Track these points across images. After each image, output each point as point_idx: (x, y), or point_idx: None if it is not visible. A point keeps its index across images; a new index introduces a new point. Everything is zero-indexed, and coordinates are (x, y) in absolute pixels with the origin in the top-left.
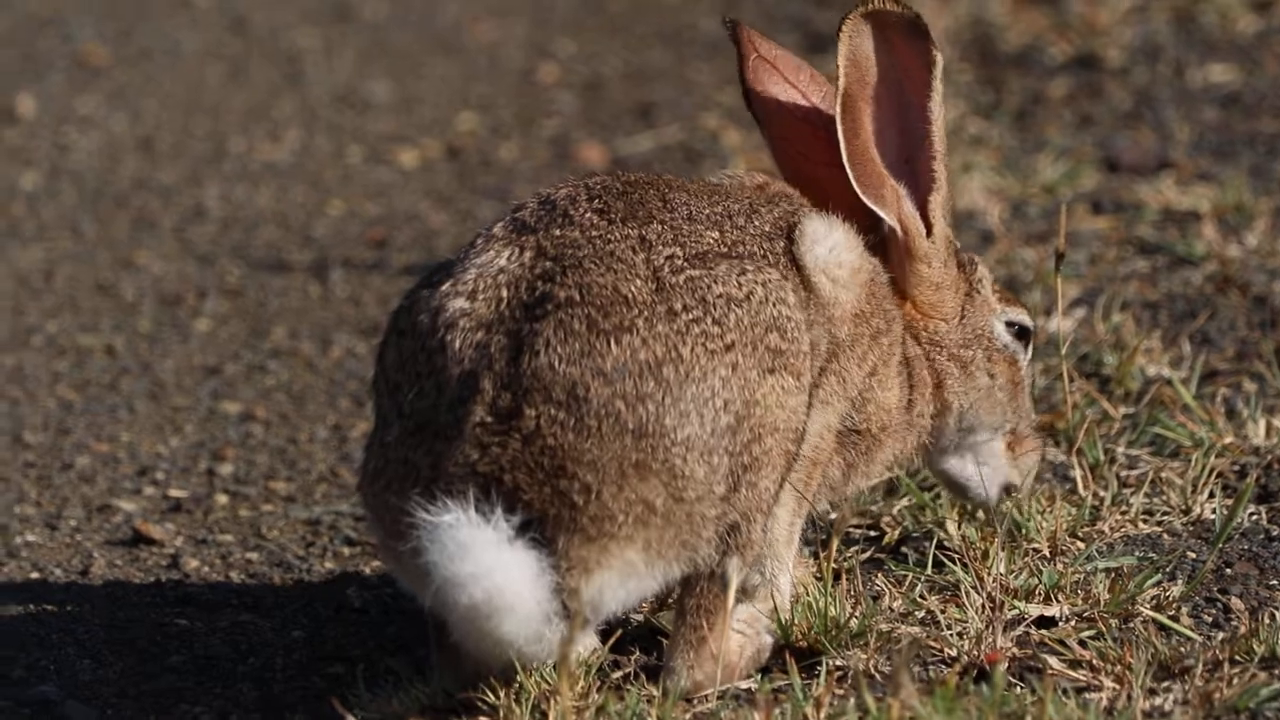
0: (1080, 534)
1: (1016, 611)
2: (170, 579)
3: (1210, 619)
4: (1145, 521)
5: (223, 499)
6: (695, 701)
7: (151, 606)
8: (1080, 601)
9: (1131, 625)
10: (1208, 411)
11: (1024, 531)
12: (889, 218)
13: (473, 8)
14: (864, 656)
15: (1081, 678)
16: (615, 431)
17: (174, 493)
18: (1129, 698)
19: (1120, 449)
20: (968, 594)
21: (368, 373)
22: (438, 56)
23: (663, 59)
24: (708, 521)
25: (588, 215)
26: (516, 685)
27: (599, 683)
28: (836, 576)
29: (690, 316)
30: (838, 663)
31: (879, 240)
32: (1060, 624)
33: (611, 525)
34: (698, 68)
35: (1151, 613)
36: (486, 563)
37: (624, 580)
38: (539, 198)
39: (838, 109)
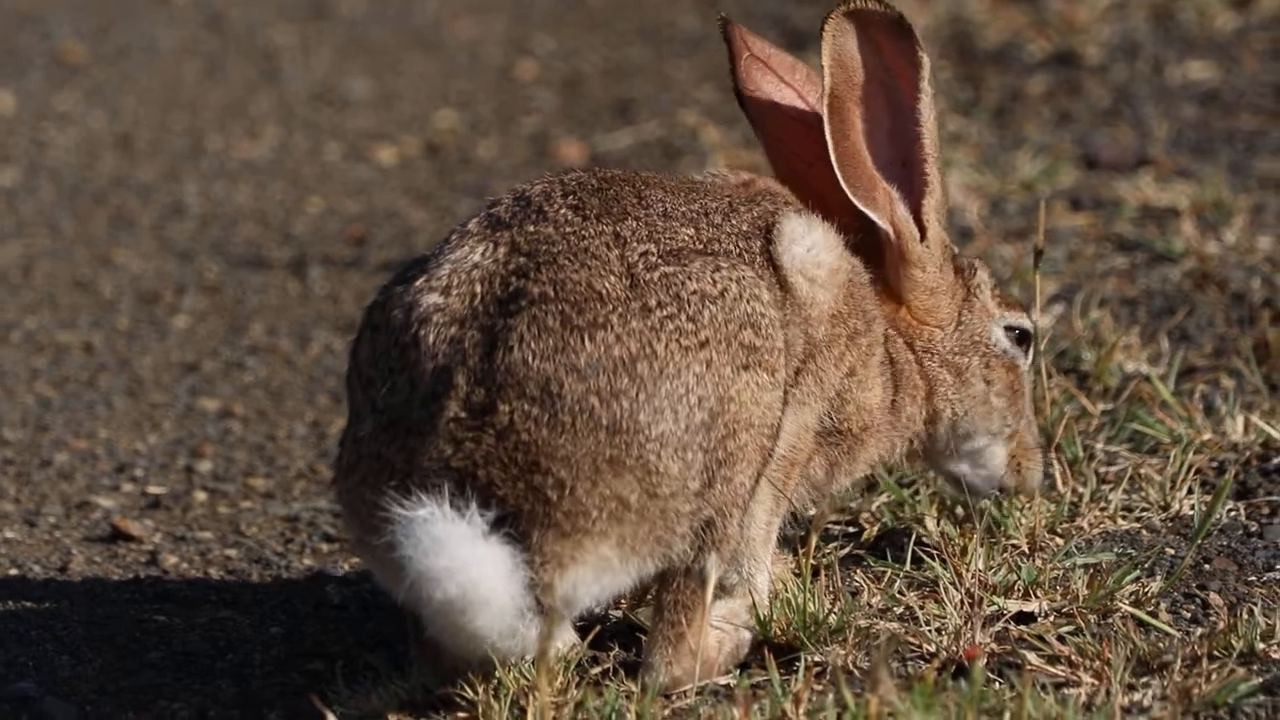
0: (1059, 530)
1: (995, 607)
2: (149, 575)
3: (1189, 615)
4: (1124, 518)
5: (201, 496)
6: (674, 697)
7: (130, 603)
8: (1059, 597)
9: (1110, 621)
10: (1186, 408)
11: (1002, 528)
12: (881, 221)
13: (452, 4)
14: (843, 652)
15: (1060, 673)
16: (589, 427)
17: (152, 489)
18: (1108, 693)
19: (1099, 445)
20: (946, 590)
21: (345, 370)
22: (416, 53)
23: (642, 56)
24: (682, 517)
25: (562, 211)
26: (495, 681)
27: (578, 679)
28: (815, 572)
29: (664, 313)
30: (816, 658)
31: (869, 241)
32: (1039, 620)
33: (585, 521)
34: (677, 64)
35: (1130, 608)
36: (461, 558)
37: (598, 576)
38: (514, 194)
39: (824, 110)
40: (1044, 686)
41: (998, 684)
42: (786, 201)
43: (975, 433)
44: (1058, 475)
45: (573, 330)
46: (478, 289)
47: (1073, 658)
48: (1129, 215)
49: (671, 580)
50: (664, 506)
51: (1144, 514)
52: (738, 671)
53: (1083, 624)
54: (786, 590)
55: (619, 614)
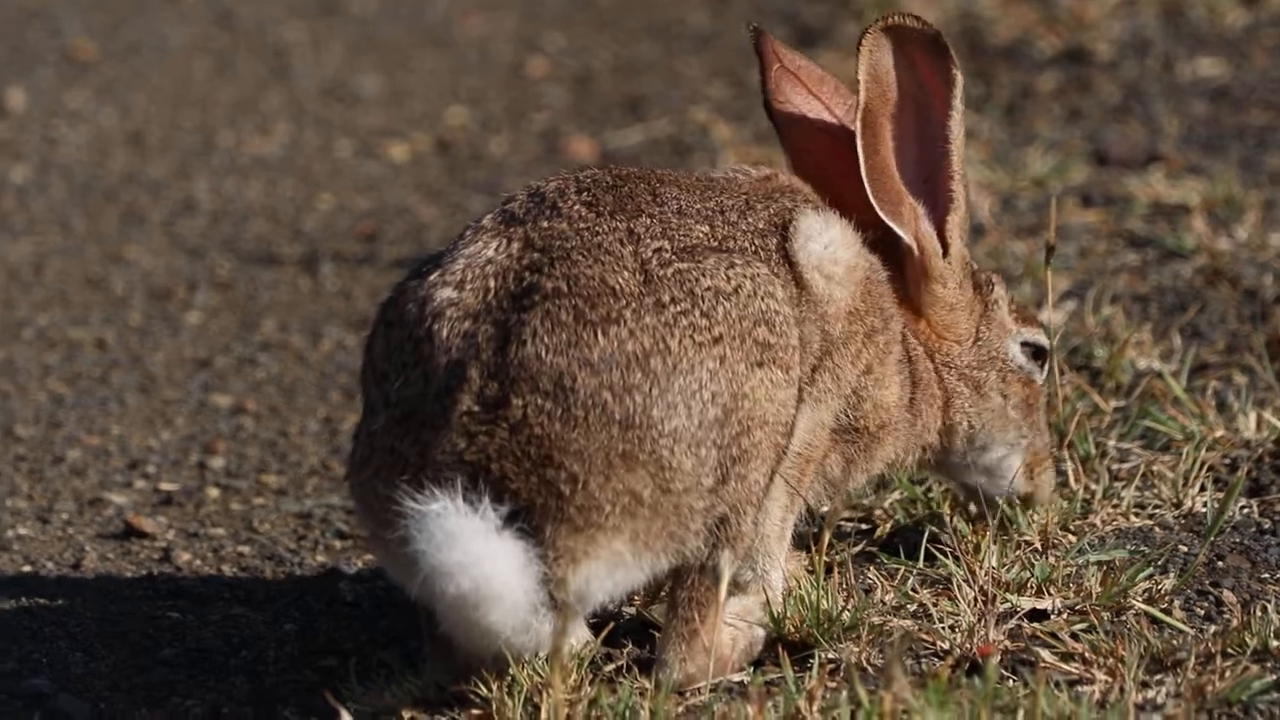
0: (1072, 527)
1: (1009, 605)
2: (162, 572)
3: (1202, 612)
4: (1137, 515)
5: (214, 492)
6: (688, 694)
7: (143, 600)
8: (1072, 594)
9: (1123, 618)
10: (1198, 405)
11: (1015, 525)
12: (906, 235)
13: (462, 2)
14: (856, 649)
15: (1074, 670)
16: (602, 422)
17: (165, 486)
18: (1121, 690)
19: (1111, 442)
20: (960, 587)
21: (358, 366)
22: (427, 50)
23: (652, 52)
24: (696, 513)
25: (576, 208)
26: (509, 678)
27: (591, 675)
28: (829, 570)
29: (678, 309)
30: (830, 655)
31: (886, 239)
32: (1052, 617)
33: (599, 515)
34: (687, 61)
35: (1143, 606)
36: (474, 552)
37: (611, 571)
38: (528, 190)
39: (858, 124)
40: (1057, 684)
41: (1011, 681)
42: (805, 198)
43: (992, 444)
44: (1070, 473)
45: (586, 325)
46: (492, 284)
47: (1086, 655)
48: (1140, 212)
49: (685, 577)
50: (677, 502)
51: (1157, 511)
52: (751, 669)
53: (1096, 621)
54: (800, 587)
55: (632, 610)
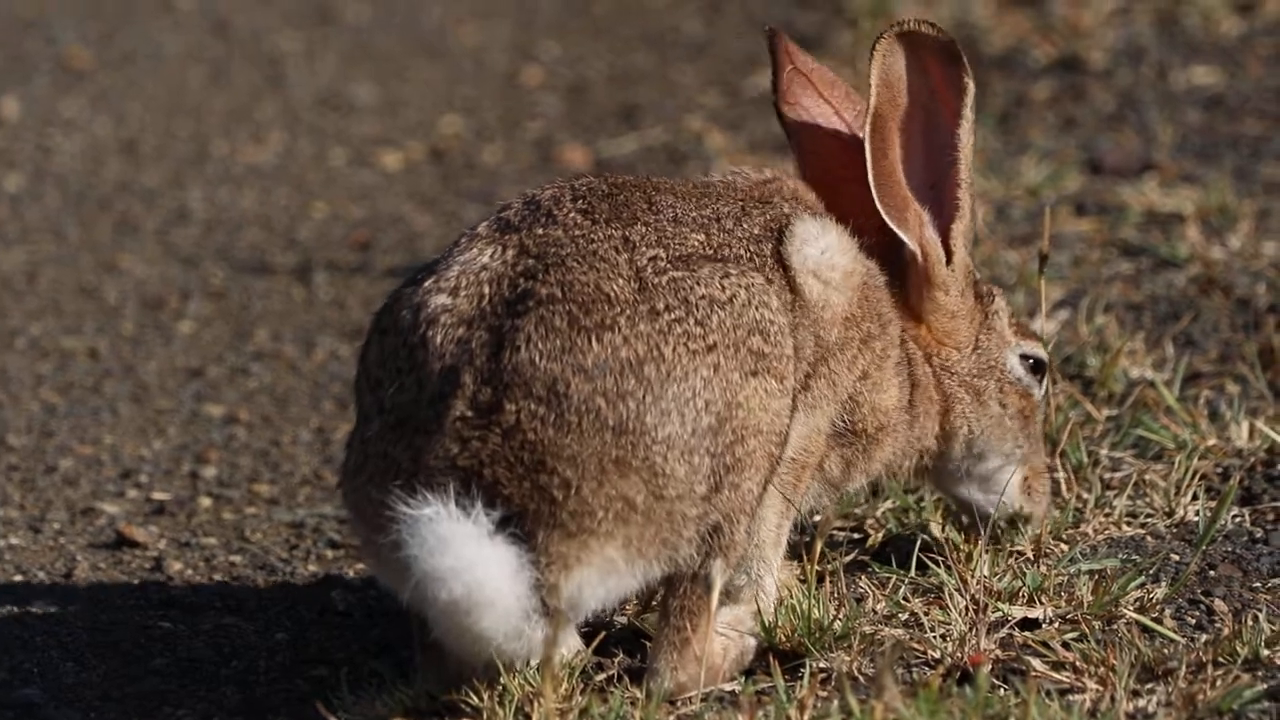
0: (1064, 536)
1: (1000, 614)
2: (153, 582)
3: (1193, 621)
4: (1129, 524)
5: (206, 502)
6: (679, 703)
7: (135, 609)
8: (1064, 603)
9: (1115, 627)
10: (1191, 414)
11: (1007, 534)
12: (910, 241)
13: (456, 10)
14: (848, 659)
15: (1065, 679)
16: (595, 428)
17: (157, 495)
18: (1112, 699)
19: (1104, 451)
20: (951, 596)
21: (351, 375)
22: (421, 59)
23: (646, 61)
24: (689, 521)
25: (571, 215)
26: (500, 687)
27: (582, 684)
28: (820, 579)
29: (672, 316)
30: (821, 665)
31: (878, 245)
32: (1044, 626)
33: (591, 521)
34: (681, 70)
35: (1135, 615)
36: (466, 557)
37: (604, 577)
38: (524, 198)
39: (867, 129)
40: (1049, 693)
41: (1003, 690)
42: (802, 203)
43: (989, 453)
44: (1063, 481)
45: (580, 331)
46: (486, 290)
47: (1077, 664)
48: (1134, 220)
49: (677, 586)
50: (670, 509)
51: (1149, 520)
52: (743, 678)
53: (1087, 630)
54: (791, 596)
55: (624, 619)
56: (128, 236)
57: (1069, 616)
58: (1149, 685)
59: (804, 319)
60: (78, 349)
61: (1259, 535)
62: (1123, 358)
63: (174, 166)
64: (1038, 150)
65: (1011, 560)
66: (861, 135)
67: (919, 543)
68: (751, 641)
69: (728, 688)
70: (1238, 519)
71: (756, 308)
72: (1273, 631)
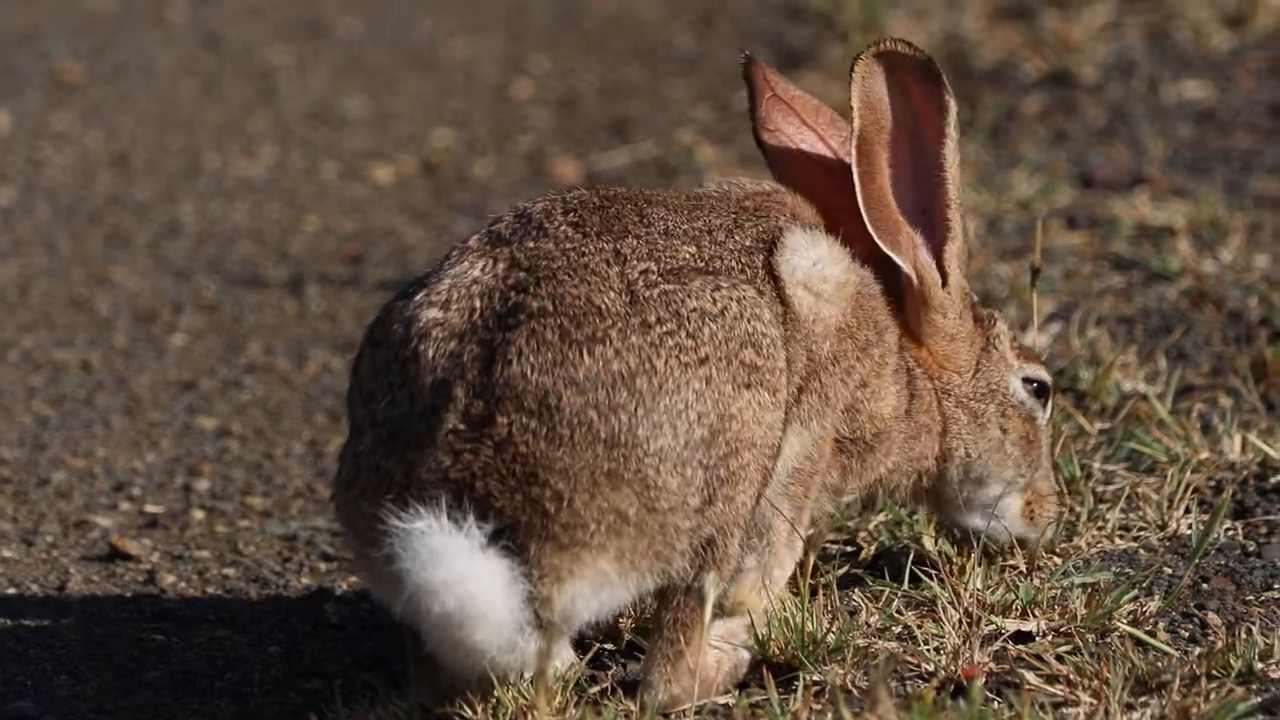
0: (1057, 549)
1: (993, 627)
2: (147, 594)
3: (1187, 634)
4: (1122, 537)
5: (199, 514)
6: (673, 716)
7: (128, 622)
8: (1057, 617)
9: (1108, 640)
10: (1183, 427)
11: (1000, 547)
12: (905, 265)
13: (447, 24)
14: (841, 672)
15: (1058, 693)
16: (587, 440)
17: (150, 508)
18: (1106, 713)
19: (1096, 464)
20: (945, 609)
21: (343, 388)
22: (412, 72)
23: (638, 75)
24: (681, 533)
25: (562, 228)
26: (494, 700)
27: (576, 697)
28: (814, 592)
29: (664, 329)
30: (815, 678)
31: (872, 256)
32: (1037, 639)
33: (583, 534)
34: (673, 84)
35: (1128, 628)
36: (459, 570)
37: (596, 590)
38: (515, 211)
39: (853, 153)
40: (1042, 706)
41: (996, 703)
42: (796, 215)
43: (989, 479)
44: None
45: (571, 344)
46: (477, 304)
47: (1071, 677)
48: (1125, 234)
49: (671, 598)
50: (663, 521)
51: (1141, 533)
52: (736, 691)
53: (1081, 643)
54: (785, 610)
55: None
56: (119, 249)
57: (1062, 629)
58: (1142, 698)
59: (795, 332)
60: (70, 362)
61: (1252, 548)
62: (1115, 371)
63: (166, 180)
64: (1029, 164)
65: (1004, 573)
66: (848, 160)
67: (912, 556)
68: (745, 654)
69: (722, 700)
70: (1231, 532)
71: (748, 320)
72: (1266, 645)
